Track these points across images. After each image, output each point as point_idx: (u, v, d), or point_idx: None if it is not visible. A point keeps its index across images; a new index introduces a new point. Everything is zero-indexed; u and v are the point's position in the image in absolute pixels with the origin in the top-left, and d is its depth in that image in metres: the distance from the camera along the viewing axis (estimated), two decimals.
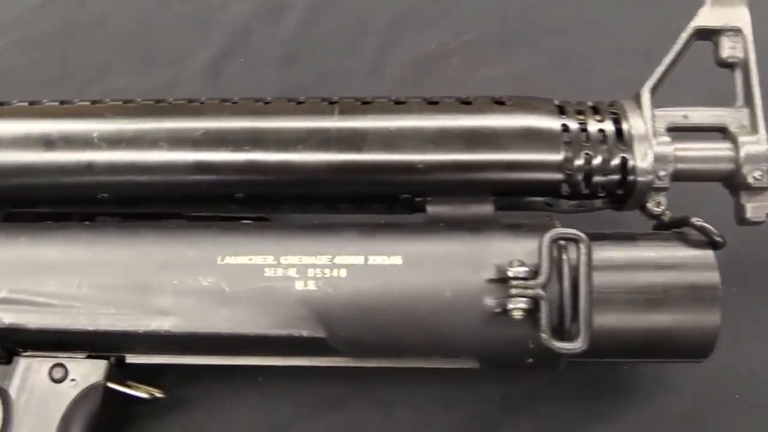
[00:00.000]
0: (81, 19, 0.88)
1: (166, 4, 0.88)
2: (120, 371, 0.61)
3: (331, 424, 0.66)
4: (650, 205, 0.61)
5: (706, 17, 0.62)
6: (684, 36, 0.62)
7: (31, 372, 0.60)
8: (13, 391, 0.60)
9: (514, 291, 0.54)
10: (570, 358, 0.58)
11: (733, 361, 0.67)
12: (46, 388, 0.60)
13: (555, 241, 0.55)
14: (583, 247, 0.55)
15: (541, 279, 0.54)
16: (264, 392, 0.68)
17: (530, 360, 0.58)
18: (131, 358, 0.61)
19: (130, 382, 0.62)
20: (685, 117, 0.62)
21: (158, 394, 0.63)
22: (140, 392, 0.62)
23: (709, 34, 0.62)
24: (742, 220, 0.61)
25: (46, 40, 0.87)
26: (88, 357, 0.60)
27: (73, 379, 0.60)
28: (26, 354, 0.61)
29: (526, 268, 0.55)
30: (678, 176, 0.61)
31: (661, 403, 0.66)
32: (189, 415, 0.67)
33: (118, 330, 0.57)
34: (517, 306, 0.54)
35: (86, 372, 0.60)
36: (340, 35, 0.85)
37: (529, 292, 0.54)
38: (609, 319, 0.57)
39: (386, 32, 0.84)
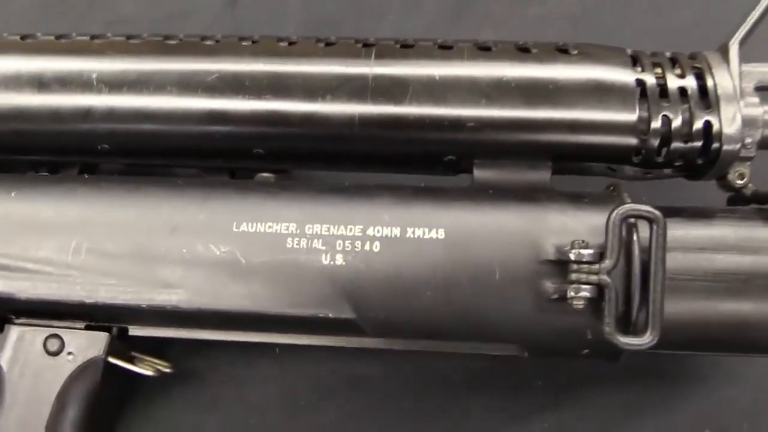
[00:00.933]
0: None
1: None
2: (122, 343, 0.55)
3: (355, 404, 0.60)
4: (731, 177, 0.53)
5: None
6: None
7: (24, 343, 0.54)
8: (4, 363, 0.54)
9: (575, 276, 0.47)
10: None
11: None
12: (40, 361, 0.54)
13: (625, 218, 0.47)
14: (657, 228, 0.47)
15: (608, 263, 0.47)
16: (282, 365, 0.61)
17: (586, 351, 0.51)
18: (134, 330, 0.55)
19: (134, 354, 0.56)
20: None
21: (165, 369, 0.57)
22: (145, 368, 0.56)
23: None
24: None
25: None
26: (87, 328, 0.54)
27: (70, 353, 0.54)
28: (19, 322, 0.54)
29: (591, 251, 0.47)
30: (765, 144, 0.52)
31: (720, 395, 0.60)
32: (199, 389, 0.61)
33: (119, 303, 0.51)
34: (579, 294, 0.47)
35: (85, 345, 0.54)
36: None
37: (593, 277, 0.47)
38: (681, 308, 0.49)
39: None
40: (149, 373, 0.55)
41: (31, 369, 0.54)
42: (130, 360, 0.56)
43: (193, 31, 0.58)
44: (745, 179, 0.52)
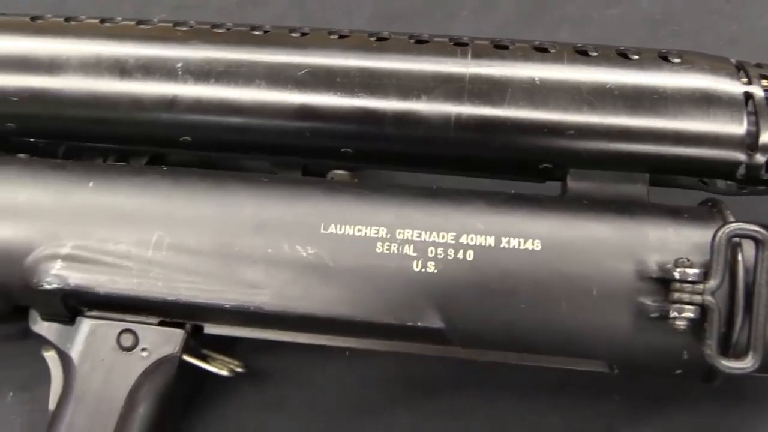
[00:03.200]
0: None
1: None
2: (196, 341, 0.54)
3: (429, 411, 0.58)
4: None
5: None
6: None
7: (96, 337, 0.53)
8: (75, 356, 0.53)
9: (678, 296, 0.45)
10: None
11: None
12: (114, 356, 0.53)
13: (731, 237, 0.45)
14: (765, 249, 0.45)
15: (713, 284, 0.45)
16: (351, 368, 0.59)
17: (679, 371, 0.49)
18: (210, 329, 0.53)
19: (205, 352, 0.55)
20: None
21: (239, 369, 0.55)
22: (220, 368, 0.54)
23: None
24: None
25: None
26: (161, 324, 0.53)
27: (144, 348, 0.52)
28: (90, 315, 0.53)
29: (697, 270, 0.45)
30: None
31: None
32: (266, 389, 0.59)
33: (201, 302, 0.49)
34: (683, 315, 0.45)
35: (159, 341, 0.52)
36: None
37: (697, 298, 0.45)
38: None
39: None
40: (224, 373, 0.54)
41: (104, 364, 0.52)
42: (204, 358, 0.54)
43: (264, 21, 0.56)
44: None
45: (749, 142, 0.49)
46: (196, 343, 0.54)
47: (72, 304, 0.52)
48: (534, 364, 0.52)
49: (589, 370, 0.51)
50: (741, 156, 0.49)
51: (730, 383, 0.55)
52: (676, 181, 0.54)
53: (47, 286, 0.50)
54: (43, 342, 0.54)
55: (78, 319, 0.53)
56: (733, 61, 0.51)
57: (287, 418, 0.59)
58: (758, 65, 0.51)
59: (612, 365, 0.50)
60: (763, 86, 0.50)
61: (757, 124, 0.48)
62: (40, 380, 0.56)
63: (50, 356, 0.54)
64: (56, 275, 0.49)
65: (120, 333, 0.52)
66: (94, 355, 0.53)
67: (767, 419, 0.58)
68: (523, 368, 0.56)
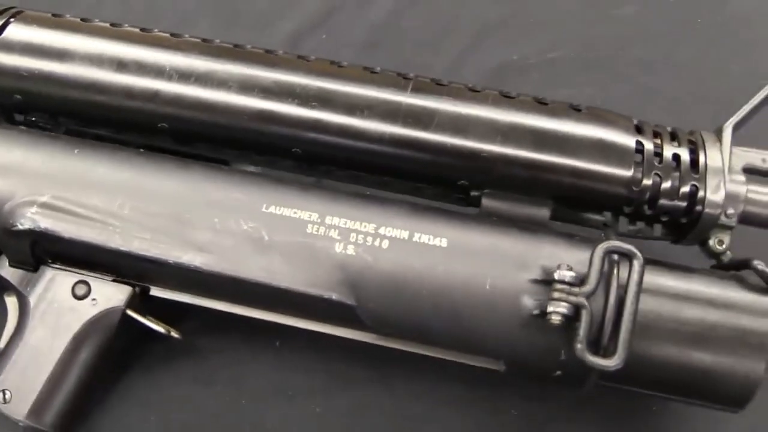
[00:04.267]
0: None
1: None
2: (141, 305, 0.60)
3: (340, 403, 0.64)
4: (712, 242, 0.58)
5: None
6: None
7: (54, 283, 0.60)
8: (33, 299, 0.60)
9: (556, 294, 0.52)
10: (599, 380, 0.55)
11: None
12: (66, 302, 0.59)
13: (608, 253, 0.53)
14: (636, 265, 0.52)
15: (588, 288, 0.52)
16: (279, 357, 0.66)
17: (558, 372, 0.55)
18: (156, 291, 0.60)
19: (149, 316, 0.61)
20: (764, 161, 0.59)
21: (175, 334, 0.61)
22: (158, 326, 0.60)
23: None
24: None
25: None
26: (114, 281, 0.60)
27: (94, 299, 0.59)
28: (54, 266, 0.60)
29: (574, 273, 0.52)
30: (746, 219, 0.58)
31: None
32: (200, 365, 0.65)
33: (150, 256, 0.56)
34: (557, 310, 0.52)
35: (109, 294, 0.59)
36: (426, 31, 0.84)
37: (572, 298, 0.52)
38: (648, 347, 0.54)
39: (471, 36, 0.83)
40: (160, 329, 0.60)
41: (56, 307, 0.59)
42: (146, 318, 0.60)
43: None
44: (724, 245, 0.58)
45: (634, 183, 0.57)
46: (142, 307, 0.61)
47: (38, 253, 0.59)
48: (438, 356, 0.58)
49: (483, 366, 0.57)
50: (625, 192, 0.57)
51: (623, 413, 0.62)
52: (581, 218, 0.62)
53: (20, 227, 0.57)
54: (8, 287, 0.61)
55: (41, 267, 0.60)
56: (635, 120, 0.60)
57: (214, 393, 0.64)
58: (656, 125, 0.60)
59: (499, 358, 0.56)
60: (653, 142, 0.58)
61: (642, 169, 0.57)
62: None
63: (11, 301, 0.61)
64: (30, 218, 0.57)
65: (76, 283, 0.60)
66: (50, 300, 0.59)
67: None
68: (433, 376, 0.63)
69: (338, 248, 0.55)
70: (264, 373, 0.65)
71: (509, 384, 0.64)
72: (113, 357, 0.62)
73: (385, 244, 0.55)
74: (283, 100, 0.59)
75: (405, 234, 0.56)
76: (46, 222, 0.57)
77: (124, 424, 0.63)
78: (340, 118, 0.59)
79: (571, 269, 0.53)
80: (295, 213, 0.57)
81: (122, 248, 0.57)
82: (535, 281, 0.54)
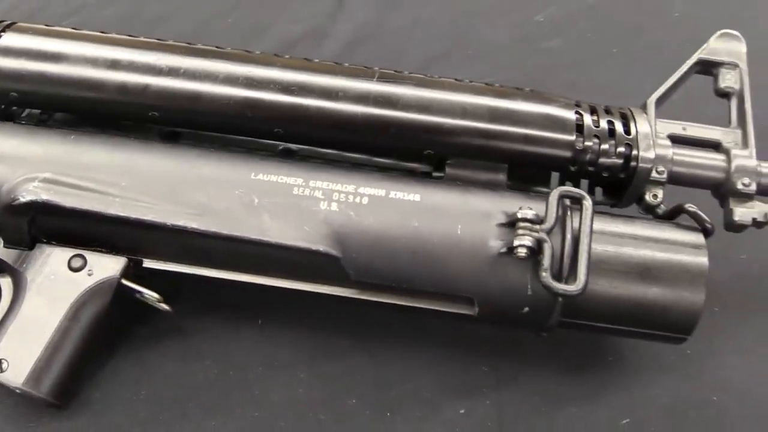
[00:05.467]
0: (142, 17, 0.97)
1: (223, 14, 0.97)
2: (135, 278, 0.64)
3: (326, 372, 0.68)
4: (648, 197, 0.66)
5: (709, 51, 0.71)
6: (689, 62, 0.70)
7: (51, 258, 0.63)
8: (29, 274, 0.63)
9: (520, 231, 0.59)
10: (561, 317, 0.61)
11: (711, 370, 0.71)
12: (62, 275, 0.63)
13: (562, 197, 0.60)
14: (587, 204, 0.60)
15: (547, 225, 0.59)
16: (263, 333, 0.70)
17: (526, 309, 0.61)
18: (149, 263, 0.64)
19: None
20: (684, 129, 0.69)
21: (166, 306, 0.65)
22: (151, 293, 0.64)
23: (709, 66, 0.71)
24: (730, 224, 0.67)
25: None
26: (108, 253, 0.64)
27: (90, 270, 0.63)
28: (50, 243, 0.64)
29: (534, 212, 0.59)
30: (673, 178, 0.67)
31: (643, 395, 0.69)
32: (187, 344, 0.69)
33: (148, 220, 0.61)
34: (522, 243, 0.58)
35: (104, 265, 0.63)
36: (377, 62, 0.93)
37: (535, 234, 0.59)
38: (600, 284, 0.61)
39: (417, 66, 0.92)
40: (154, 295, 0.63)
41: (53, 279, 0.62)
42: (140, 286, 0.64)
43: None
44: (659, 198, 0.66)
45: (577, 145, 0.65)
46: (137, 280, 0.64)
47: (34, 232, 0.63)
48: (417, 305, 0.63)
49: (458, 312, 0.63)
50: (570, 154, 0.65)
51: (586, 361, 0.68)
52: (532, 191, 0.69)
53: (21, 200, 0.61)
54: (2, 269, 0.64)
55: (37, 245, 0.64)
56: (573, 100, 0.69)
57: (202, 367, 0.67)
58: (593, 103, 0.70)
59: (473, 301, 0.61)
60: (591, 116, 0.67)
61: (583, 134, 0.66)
62: None
63: (5, 281, 0.64)
64: (32, 191, 0.61)
65: (72, 257, 0.63)
66: (47, 273, 0.63)
67: (613, 391, 0.69)
68: (411, 341, 0.69)
69: (323, 206, 0.61)
70: (249, 348, 0.69)
71: (480, 345, 0.70)
72: (107, 331, 0.64)
73: (365, 200, 0.62)
74: (265, 88, 0.66)
75: (382, 192, 0.62)
76: (47, 194, 0.61)
77: (115, 399, 0.65)
78: (318, 102, 0.66)
79: (531, 209, 0.60)
80: (281, 179, 0.62)
81: (121, 214, 0.61)
82: (501, 224, 0.61)
